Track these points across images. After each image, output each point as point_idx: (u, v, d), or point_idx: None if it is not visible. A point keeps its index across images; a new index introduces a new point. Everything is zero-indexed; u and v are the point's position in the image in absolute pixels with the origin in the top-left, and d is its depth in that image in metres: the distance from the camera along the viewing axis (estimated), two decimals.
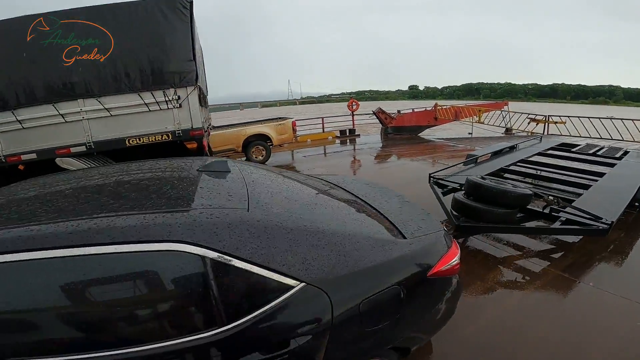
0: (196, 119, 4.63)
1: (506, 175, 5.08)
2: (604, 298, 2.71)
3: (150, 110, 4.45)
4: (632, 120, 10.07)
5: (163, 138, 4.60)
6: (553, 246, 3.65)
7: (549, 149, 6.31)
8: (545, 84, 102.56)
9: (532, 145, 6.61)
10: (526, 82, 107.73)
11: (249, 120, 10.44)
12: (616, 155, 5.59)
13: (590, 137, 10.32)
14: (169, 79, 4.39)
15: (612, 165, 5.03)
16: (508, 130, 13.55)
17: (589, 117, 10.94)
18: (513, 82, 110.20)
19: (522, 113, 13.48)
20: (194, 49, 4.42)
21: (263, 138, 9.26)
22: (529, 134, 11.93)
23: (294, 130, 10.00)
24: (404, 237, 1.68)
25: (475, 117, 13.89)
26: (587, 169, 4.99)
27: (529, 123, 12.94)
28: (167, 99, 4.44)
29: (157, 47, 4.29)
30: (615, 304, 2.63)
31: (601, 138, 10.11)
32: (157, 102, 4.45)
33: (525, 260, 3.41)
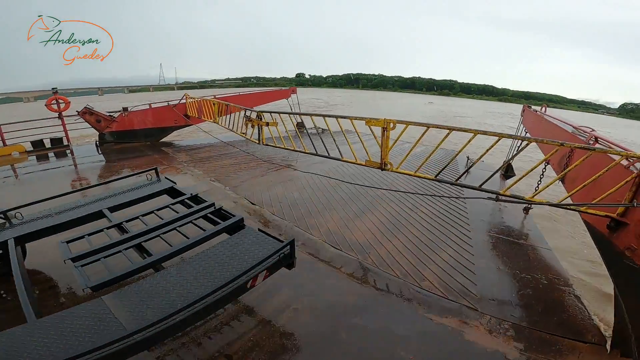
0: None
1: None
2: None
3: None
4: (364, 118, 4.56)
5: None
6: None
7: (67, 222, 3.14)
8: (407, 76, 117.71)
9: (97, 201, 3.44)
10: (393, 75, 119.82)
11: None
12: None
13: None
14: None
15: None
16: (300, 126, 7.95)
17: (311, 115, 6.44)
18: (384, 74, 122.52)
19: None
20: None
21: None
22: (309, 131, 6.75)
23: None
24: None
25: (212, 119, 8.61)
26: None
27: (246, 124, 7.05)
28: None
29: None
30: None
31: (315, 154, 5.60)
32: None
33: None
